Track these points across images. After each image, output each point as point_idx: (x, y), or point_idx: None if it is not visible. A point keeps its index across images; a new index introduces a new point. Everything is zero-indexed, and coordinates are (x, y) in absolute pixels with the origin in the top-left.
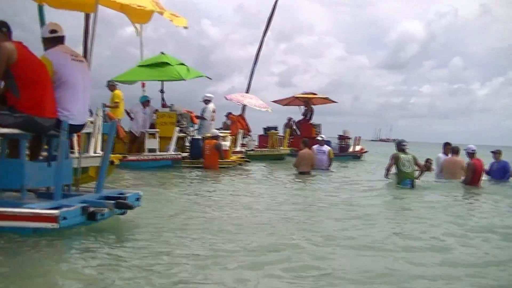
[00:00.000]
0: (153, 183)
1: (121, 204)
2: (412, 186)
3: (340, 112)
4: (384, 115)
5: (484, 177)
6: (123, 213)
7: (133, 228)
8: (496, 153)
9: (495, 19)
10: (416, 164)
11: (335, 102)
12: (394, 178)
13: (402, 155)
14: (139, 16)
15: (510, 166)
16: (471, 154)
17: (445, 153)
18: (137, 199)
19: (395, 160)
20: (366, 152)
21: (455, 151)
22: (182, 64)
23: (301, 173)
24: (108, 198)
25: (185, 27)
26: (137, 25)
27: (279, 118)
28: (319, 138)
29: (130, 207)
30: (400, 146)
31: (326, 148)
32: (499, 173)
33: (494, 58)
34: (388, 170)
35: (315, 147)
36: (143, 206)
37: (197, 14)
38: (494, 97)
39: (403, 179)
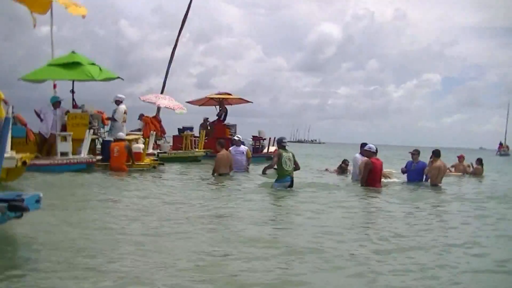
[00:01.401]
0: (60, 189)
1: (14, 206)
2: (292, 183)
3: (258, 114)
4: (302, 116)
5: (397, 179)
6: (19, 217)
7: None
8: (414, 154)
9: (409, 23)
10: (295, 162)
11: (250, 102)
12: (272, 175)
13: (284, 153)
14: (38, 5)
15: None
16: (371, 153)
17: (362, 154)
18: (37, 201)
19: (278, 157)
20: None
21: None
22: (94, 64)
23: (220, 174)
24: (3, 200)
25: (83, 16)
26: (35, 16)
27: (195, 119)
28: (235, 138)
29: (25, 209)
30: (281, 143)
31: (243, 148)
32: (417, 174)
33: (408, 61)
34: (270, 167)
35: (232, 148)
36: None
37: (114, 14)
38: (408, 98)
39: (284, 176)
